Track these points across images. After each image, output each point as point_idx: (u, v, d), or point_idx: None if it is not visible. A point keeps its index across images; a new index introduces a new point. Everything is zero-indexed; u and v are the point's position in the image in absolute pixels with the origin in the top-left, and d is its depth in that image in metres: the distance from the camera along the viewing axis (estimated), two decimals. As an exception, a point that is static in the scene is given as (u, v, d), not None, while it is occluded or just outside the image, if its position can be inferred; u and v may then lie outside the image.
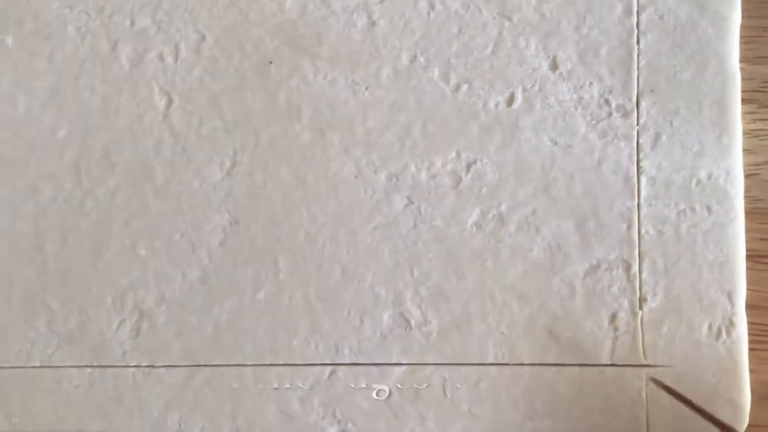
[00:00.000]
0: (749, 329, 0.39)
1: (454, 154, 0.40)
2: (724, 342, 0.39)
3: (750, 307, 0.39)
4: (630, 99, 0.40)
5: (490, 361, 0.39)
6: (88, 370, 0.39)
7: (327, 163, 0.41)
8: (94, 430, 0.39)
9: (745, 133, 0.40)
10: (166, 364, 0.39)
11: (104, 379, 0.39)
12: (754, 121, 0.41)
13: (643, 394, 0.39)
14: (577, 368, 0.39)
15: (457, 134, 0.41)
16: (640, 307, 0.39)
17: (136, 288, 0.40)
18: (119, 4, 0.42)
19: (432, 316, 0.39)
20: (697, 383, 0.38)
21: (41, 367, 0.39)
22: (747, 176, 0.40)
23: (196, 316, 0.40)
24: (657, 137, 0.40)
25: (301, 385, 0.39)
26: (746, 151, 0.40)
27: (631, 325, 0.39)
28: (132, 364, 0.39)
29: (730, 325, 0.39)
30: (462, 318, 0.39)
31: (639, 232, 0.40)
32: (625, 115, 0.40)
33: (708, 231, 0.39)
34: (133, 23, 0.41)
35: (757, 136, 0.41)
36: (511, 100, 0.41)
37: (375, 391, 0.39)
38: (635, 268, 0.39)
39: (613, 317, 0.39)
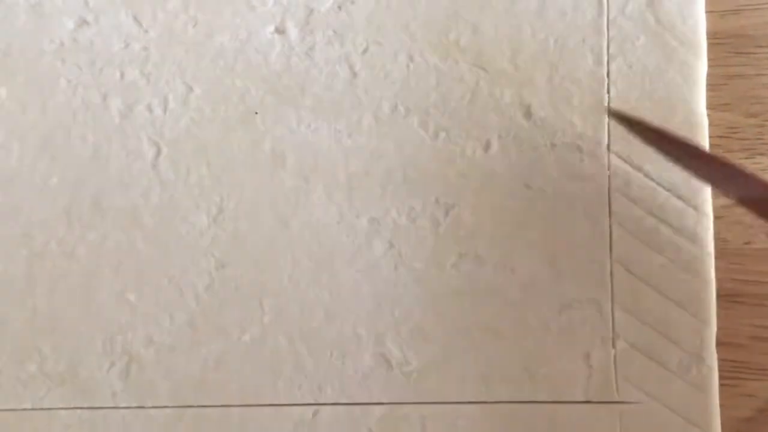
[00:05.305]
0: (720, 366, 0.40)
1: (433, 199, 0.42)
2: (695, 377, 0.40)
3: (721, 344, 0.40)
4: (601, 145, 0.42)
5: (467, 399, 0.40)
6: (79, 411, 0.40)
7: (310, 208, 0.42)
8: (84, 469, 0.40)
9: (712, 176, 0.42)
10: (154, 405, 0.40)
11: (95, 420, 0.40)
12: (721, 165, 0.43)
13: (617, 431, 0.40)
14: (551, 405, 0.40)
15: (435, 180, 0.42)
16: (613, 345, 0.40)
17: (125, 331, 0.41)
18: (109, 57, 0.43)
19: (412, 356, 0.41)
20: (669, 417, 0.40)
21: (32, 409, 0.40)
22: (716, 218, 0.41)
23: (184, 358, 0.41)
24: (628, 182, 0.42)
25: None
26: (715, 193, 0.42)
27: (604, 362, 0.40)
28: (122, 405, 0.40)
29: (700, 360, 0.40)
30: (441, 357, 0.41)
31: (611, 272, 0.41)
32: (597, 160, 0.42)
33: (678, 270, 0.41)
34: (122, 76, 0.43)
35: (723, 179, 0.43)
36: (487, 147, 0.42)
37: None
38: (607, 306, 0.41)
39: (587, 355, 0.40)
